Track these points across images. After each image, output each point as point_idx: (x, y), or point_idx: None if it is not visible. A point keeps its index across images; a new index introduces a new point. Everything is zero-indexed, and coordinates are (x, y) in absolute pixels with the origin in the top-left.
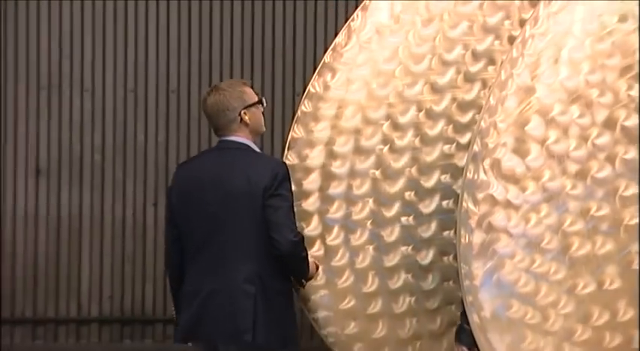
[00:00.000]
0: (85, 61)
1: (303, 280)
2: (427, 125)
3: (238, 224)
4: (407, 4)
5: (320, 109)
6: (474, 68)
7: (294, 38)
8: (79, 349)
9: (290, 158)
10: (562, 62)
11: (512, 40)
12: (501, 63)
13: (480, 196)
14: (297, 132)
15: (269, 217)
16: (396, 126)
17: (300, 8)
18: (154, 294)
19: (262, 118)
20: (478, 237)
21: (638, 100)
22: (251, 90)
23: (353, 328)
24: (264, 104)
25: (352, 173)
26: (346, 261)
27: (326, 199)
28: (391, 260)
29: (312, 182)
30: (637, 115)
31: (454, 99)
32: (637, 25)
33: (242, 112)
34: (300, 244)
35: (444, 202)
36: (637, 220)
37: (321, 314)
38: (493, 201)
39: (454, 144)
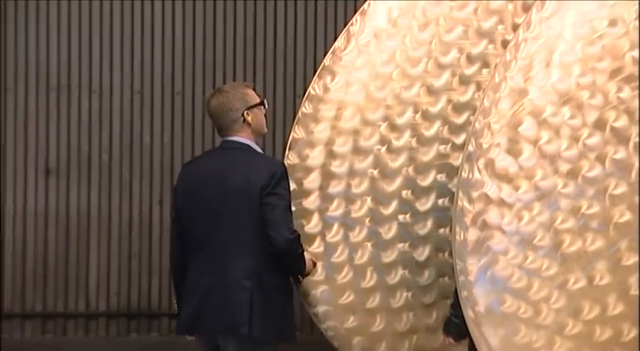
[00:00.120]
0: (93, 62)
1: (299, 277)
2: (423, 126)
3: (237, 221)
4: (404, 9)
5: (320, 111)
6: (468, 71)
7: (295, 41)
8: (87, 342)
9: (291, 158)
10: (554, 65)
11: (505, 44)
12: (495, 66)
13: (475, 194)
14: (297, 133)
15: (266, 215)
16: (393, 127)
17: (300, 11)
18: (160, 289)
19: (264, 119)
20: (473, 234)
21: (628, 103)
22: (253, 92)
23: (352, 322)
24: (266, 106)
25: (351, 172)
26: (345, 257)
27: (326, 198)
28: (389, 256)
29: (312, 181)
30: (626, 117)
31: (449, 101)
32: (626, 29)
33: (244, 112)
34: (296, 242)
35: (440, 201)
36: (626, 218)
37: (321, 309)
38: (487, 199)
39: (449, 144)
